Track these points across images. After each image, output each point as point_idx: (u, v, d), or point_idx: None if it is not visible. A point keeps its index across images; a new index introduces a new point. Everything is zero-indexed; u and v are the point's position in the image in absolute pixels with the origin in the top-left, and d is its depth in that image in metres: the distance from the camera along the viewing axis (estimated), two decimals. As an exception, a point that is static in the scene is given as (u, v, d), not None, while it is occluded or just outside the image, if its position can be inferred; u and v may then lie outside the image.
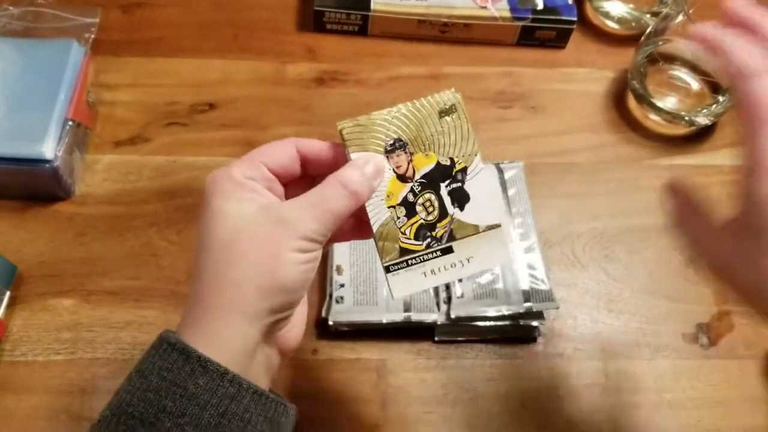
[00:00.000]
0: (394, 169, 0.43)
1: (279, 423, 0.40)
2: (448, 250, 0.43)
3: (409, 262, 0.43)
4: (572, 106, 0.76)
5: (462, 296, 0.60)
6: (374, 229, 0.42)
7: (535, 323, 0.60)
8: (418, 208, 0.43)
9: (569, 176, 0.71)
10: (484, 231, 0.43)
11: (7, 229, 0.64)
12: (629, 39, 0.80)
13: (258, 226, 0.39)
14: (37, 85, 0.65)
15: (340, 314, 0.59)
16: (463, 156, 0.43)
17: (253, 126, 0.72)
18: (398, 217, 0.43)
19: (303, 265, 0.39)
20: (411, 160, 0.43)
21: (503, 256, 0.44)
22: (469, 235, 0.43)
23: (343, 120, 0.42)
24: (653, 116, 0.74)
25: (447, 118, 0.43)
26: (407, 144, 0.43)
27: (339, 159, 0.43)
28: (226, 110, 0.73)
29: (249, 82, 0.76)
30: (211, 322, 0.38)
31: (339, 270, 0.61)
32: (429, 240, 0.43)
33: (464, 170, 0.43)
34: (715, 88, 0.74)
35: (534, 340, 0.61)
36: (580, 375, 0.60)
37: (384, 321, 0.59)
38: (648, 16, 0.80)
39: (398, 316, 0.59)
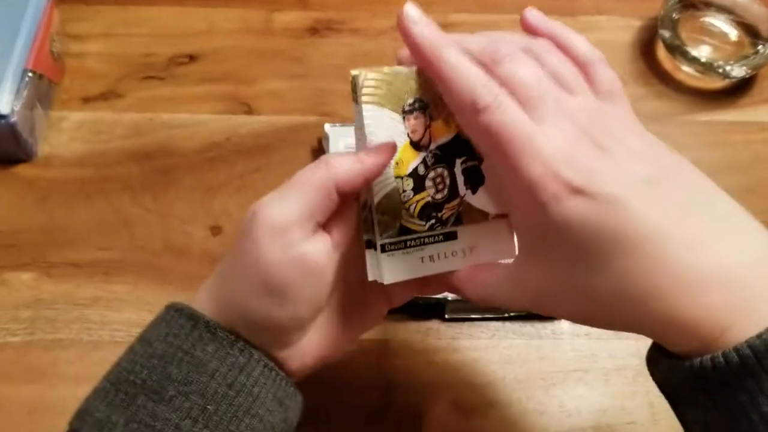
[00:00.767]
0: (409, 134, 0.37)
1: (287, 407, 0.37)
2: (451, 236, 0.38)
3: (408, 243, 0.37)
4: (595, 57, 0.68)
5: (476, 268, 0.53)
6: (375, 199, 0.36)
7: (559, 298, 0.53)
8: (428, 183, 0.37)
9: (593, 134, 0.63)
10: (493, 219, 0.38)
11: (-42, 194, 0.58)
12: (709, 95, 0.68)
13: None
14: (-9, 32, 0.58)
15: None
16: None
17: (238, 80, 0.65)
18: (404, 190, 0.37)
19: (281, 258, 0.34)
20: (429, 127, 0.37)
21: (509, 250, 0.38)
22: (477, 222, 0.38)
23: (360, 68, 0.36)
24: (685, 68, 0.67)
25: None
26: (428, 107, 0.37)
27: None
28: (209, 63, 0.66)
29: (234, 31, 0.68)
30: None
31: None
32: (433, 221, 0.38)
33: None
34: (754, 35, 0.66)
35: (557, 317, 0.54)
36: (611, 356, 0.53)
37: (388, 296, 0.52)
38: (737, 66, 0.70)
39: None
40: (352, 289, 0.40)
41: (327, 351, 0.39)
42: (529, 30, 0.37)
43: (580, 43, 0.37)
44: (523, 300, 0.35)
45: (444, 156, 0.37)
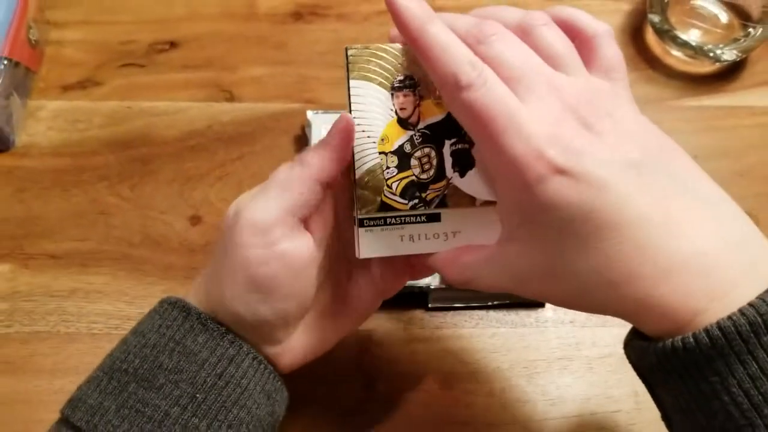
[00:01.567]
0: (397, 111, 0.37)
1: (275, 401, 0.38)
2: (434, 218, 0.38)
3: (388, 220, 0.37)
4: (583, 41, 0.66)
5: (459, 256, 0.52)
6: (357, 174, 0.37)
7: (543, 286, 0.52)
8: (413, 162, 0.37)
9: (581, 120, 0.62)
10: (480, 206, 0.38)
11: (-66, 185, 0.56)
12: (699, 79, 0.67)
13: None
14: (-35, 19, 0.56)
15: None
16: None
17: (220, 66, 0.64)
18: (388, 167, 0.37)
19: (265, 256, 0.35)
20: (419, 105, 0.37)
21: (494, 239, 0.37)
22: (463, 207, 0.38)
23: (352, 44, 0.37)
24: (675, 52, 0.65)
25: None
26: (418, 85, 0.37)
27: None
28: (190, 49, 0.65)
29: (216, 16, 0.67)
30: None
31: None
32: (416, 201, 0.37)
33: None
34: (746, 17, 0.65)
35: (542, 305, 0.54)
36: (595, 344, 0.52)
37: (368, 285, 0.51)
38: (726, 50, 0.69)
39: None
40: (340, 285, 0.40)
41: (317, 347, 0.40)
42: None
43: (581, 16, 0.36)
44: (504, 281, 0.35)
45: (433, 136, 0.37)
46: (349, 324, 0.42)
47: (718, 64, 0.65)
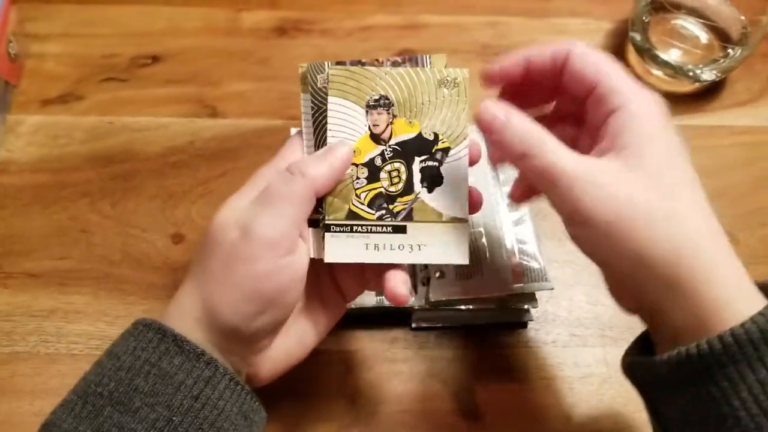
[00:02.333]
0: (370, 126, 0.39)
1: (252, 422, 0.38)
2: (400, 229, 0.40)
3: (354, 228, 0.39)
4: (565, 59, 0.67)
5: (442, 276, 0.52)
6: None
7: (525, 306, 0.53)
8: (383, 175, 0.40)
9: (563, 139, 0.63)
10: (446, 222, 0.40)
11: None
12: (680, 99, 0.68)
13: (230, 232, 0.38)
14: (-57, 32, 0.56)
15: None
16: (449, 136, 0.40)
17: (203, 82, 0.63)
18: (358, 178, 0.39)
19: (273, 269, 0.37)
20: (391, 123, 0.40)
21: (460, 256, 0.40)
22: (429, 222, 0.40)
23: (331, 62, 0.40)
24: (656, 71, 0.66)
25: (445, 90, 0.40)
26: (393, 105, 0.40)
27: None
28: (173, 64, 0.64)
29: (199, 31, 0.67)
30: (178, 298, 0.39)
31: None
32: (383, 212, 0.40)
33: (446, 151, 0.40)
34: (725, 38, 0.66)
35: (525, 325, 0.54)
36: (577, 364, 0.52)
37: (353, 306, 0.51)
38: (707, 70, 0.69)
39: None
40: (311, 288, 0.41)
41: (296, 352, 0.42)
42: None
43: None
44: (583, 174, 0.35)
45: (403, 152, 0.40)
46: (322, 327, 0.43)
47: (697, 84, 0.66)
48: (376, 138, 0.40)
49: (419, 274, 0.52)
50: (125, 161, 0.58)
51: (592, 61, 0.37)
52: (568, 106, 0.41)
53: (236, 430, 0.37)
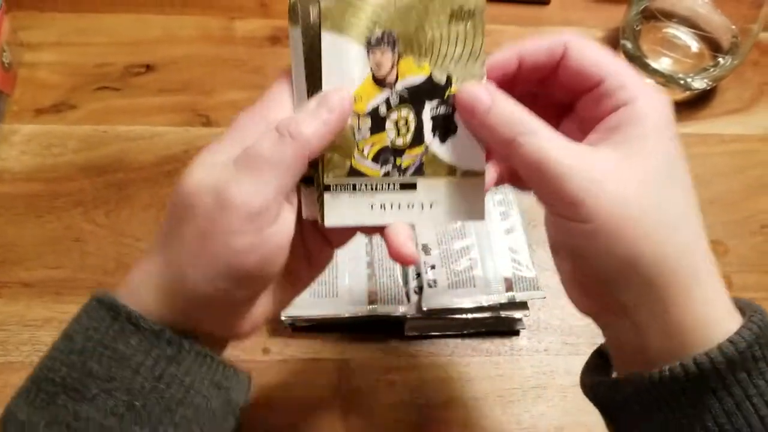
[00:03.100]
0: (372, 68, 0.34)
1: (228, 388, 0.35)
2: (409, 186, 0.35)
3: (357, 186, 0.35)
4: (557, 68, 0.68)
5: (435, 285, 0.52)
6: None
7: (518, 315, 0.53)
8: (389, 125, 0.34)
9: (555, 147, 0.63)
10: (461, 176, 0.35)
11: None
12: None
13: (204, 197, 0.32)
14: (-63, 42, 0.56)
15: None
16: (464, 77, 0.34)
17: (196, 90, 0.64)
18: (359, 128, 0.34)
19: (254, 242, 0.32)
20: (397, 63, 0.34)
21: (477, 212, 0.36)
22: (442, 176, 0.35)
23: None
24: (647, 79, 0.67)
25: (459, 24, 0.34)
26: (397, 42, 0.34)
27: None
28: (166, 72, 0.65)
29: (193, 40, 0.67)
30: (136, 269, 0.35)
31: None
32: (390, 168, 0.35)
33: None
34: (716, 47, 0.67)
35: (517, 333, 0.54)
36: (569, 372, 0.53)
37: (346, 315, 0.51)
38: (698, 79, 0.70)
39: (362, 309, 0.51)
40: (294, 241, 0.35)
41: (277, 308, 0.38)
42: None
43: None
44: (566, 158, 0.32)
45: (411, 98, 0.34)
46: (307, 281, 0.39)
47: (688, 93, 0.67)
48: (379, 82, 0.34)
49: (411, 283, 0.53)
50: (119, 170, 0.59)
51: (593, 55, 0.34)
52: (553, 95, 0.38)
53: (209, 402, 0.34)
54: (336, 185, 0.34)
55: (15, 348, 0.51)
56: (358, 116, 0.34)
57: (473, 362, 0.53)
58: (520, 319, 0.54)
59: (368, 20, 0.33)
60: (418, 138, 0.35)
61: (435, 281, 0.53)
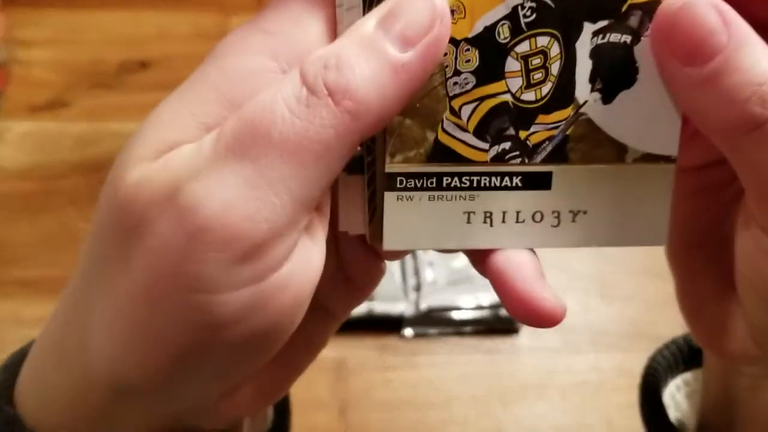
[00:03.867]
0: None
1: None
2: (540, 180, 0.21)
3: (445, 180, 0.20)
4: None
5: (434, 282, 0.53)
6: None
7: (517, 313, 0.53)
8: (512, 64, 0.20)
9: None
10: (634, 162, 0.21)
11: None
12: None
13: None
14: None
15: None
16: None
17: (192, 88, 0.64)
18: (458, 72, 0.19)
19: (251, 302, 0.18)
20: None
21: (656, 228, 0.22)
22: (601, 162, 0.21)
23: None
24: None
25: None
26: None
27: None
28: (161, 70, 0.67)
29: (187, 37, 0.69)
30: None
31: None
32: (508, 146, 0.20)
33: (649, 10, 0.19)
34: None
35: (516, 332, 0.54)
36: (569, 371, 0.53)
37: (343, 314, 0.51)
38: None
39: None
40: (327, 269, 0.21)
41: (302, 363, 0.26)
42: None
43: None
44: None
45: (558, 12, 0.19)
46: (343, 311, 0.25)
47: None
48: None
49: (410, 281, 0.53)
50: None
51: None
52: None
53: None
54: (407, 176, 0.20)
55: (11, 347, 0.50)
56: (457, 47, 0.19)
57: (473, 360, 0.53)
58: (519, 317, 0.54)
59: None
60: (563, 92, 0.20)
61: (434, 279, 0.53)
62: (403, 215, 0.20)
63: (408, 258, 0.55)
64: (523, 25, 0.19)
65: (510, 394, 0.52)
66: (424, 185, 0.20)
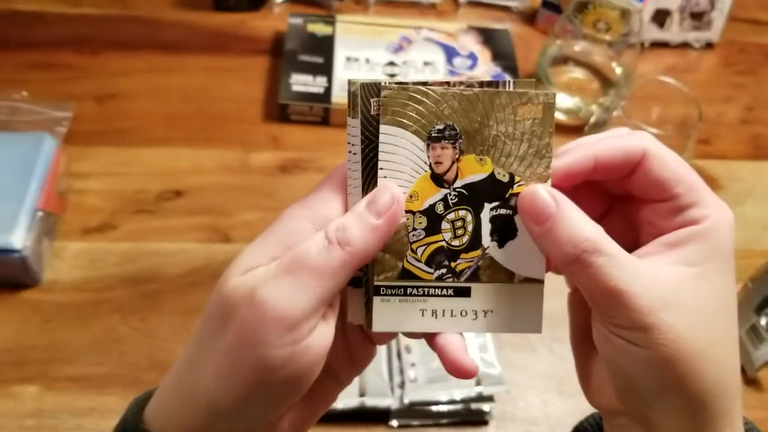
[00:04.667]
0: (431, 164, 0.32)
1: None
2: (463, 292, 0.33)
3: (409, 290, 0.33)
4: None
5: (415, 380, 0.62)
6: None
7: (485, 407, 0.62)
8: (445, 225, 0.33)
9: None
10: (519, 282, 0.33)
11: (-27, 316, 0.66)
12: (575, 129, 0.85)
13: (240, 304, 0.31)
14: (9, 177, 0.68)
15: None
16: (528, 177, 0.32)
17: (218, 213, 0.75)
18: (414, 229, 0.33)
19: (290, 356, 0.30)
20: (458, 160, 0.32)
21: (533, 323, 0.34)
22: (499, 282, 0.33)
23: (386, 82, 0.32)
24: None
25: (526, 120, 0.32)
26: (460, 136, 0.32)
27: None
28: (193, 197, 0.76)
29: (215, 170, 0.79)
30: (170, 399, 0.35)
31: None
32: (444, 271, 0.33)
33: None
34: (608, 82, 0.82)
35: (485, 423, 0.63)
36: (532, 459, 0.61)
37: (339, 407, 0.61)
38: (594, 107, 0.85)
39: (353, 401, 0.61)
40: (336, 342, 0.33)
41: (320, 407, 0.37)
42: None
43: None
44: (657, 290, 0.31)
45: (470, 197, 0.33)
46: (350, 374, 0.37)
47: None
48: (437, 179, 0.32)
49: (396, 379, 0.63)
50: (152, 281, 0.70)
51: (673, 166, 0.32)
52: (609, 187, 0.35)
53: None
54: (386, 288, 0.33)
55: (63, 434, 0.60)
56: (414, 215, 0.32)
57: (448, 447, 0.62)
58: (488, 411, 0.63)
59: (430, 113, 0.32)
60: (475, 241, 0.33)
61: (415, 377, 0.62)
62: (384, 310, 0.33)
63: (394, 359, 0.64)
64: (450, 204, 0.33)
65: (479, 477, 0.60)
66: (396, 293, 0.33)
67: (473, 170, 0.33)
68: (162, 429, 0.34)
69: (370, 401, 0.61)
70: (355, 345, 0.36)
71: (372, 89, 0.32)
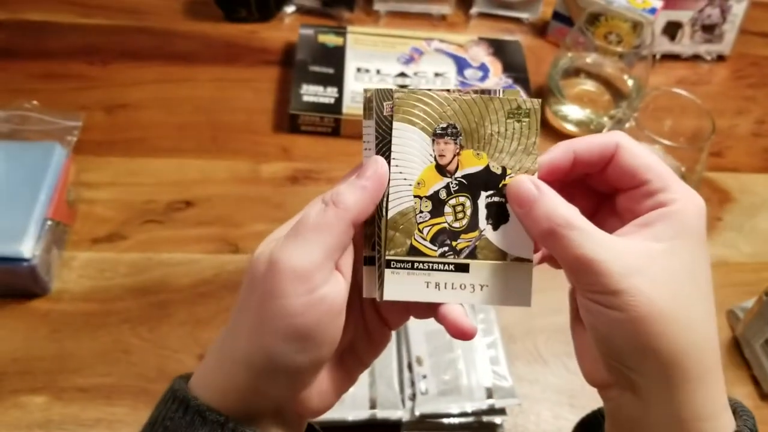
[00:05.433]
0: (436, 157, 0.38)
1: None
2: (462, 268, 0.38)
3: (416, 264, 0.38)
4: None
5: (426, 392, 0.62)
6: (389, 214, 0.37)
7: (497, 420, 0.62)
8: (447, 209, 0.38)
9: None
10: (510, 261, 0.38)
11: (-18, 326, 0.65)
12: None
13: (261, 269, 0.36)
14: (19, 186, 0.68)
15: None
16: (518, 170, 0.38)
17: (228, 223, 0.75)
18: (421, 211, 0.38)
19: (307, 304, 0.34)
20: (458, 154, 0.38)
21: (523, 297, 0.38)
22: (493, 260, 0.38)
23: (372, 86, 0.39)
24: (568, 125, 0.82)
25: (515, 122, 0.38)
26: (460, 134, 0.38)
27: None
28: (202, 208, 0.76)
29: (225, 180, 0.79)
30: (213, 366, 0.38)
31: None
32: (446, 249, 0.38)
33: None
34: (620, 94, 0.82)
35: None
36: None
37: (349, 419, 0.60)
38: (606, 119, 0.85)
39: (364, 413, 0.60)
40: (356, 320, 0.40)
41: (344, 384, 0.41)
42: None
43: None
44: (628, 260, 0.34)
45: (469, 186, 0.38)
46: (369, 354, 0.42)
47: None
48: (441, 169, 0.38)
49: (407, 391, 0.62)
50: (161, 292, 0.69)
51: (642, 156, 0.37)
52: (596, 186, 0.40)
53: None
54: (396, 262, 0.37)
55: (70, 445, 0.60)
56: (421, 199, 0.37)
57: (459, 461, 0.61)
58: (500, 424, 0.62)
59: (435, 113, 0.37)
60: (473, 223, 0.38)
61: (427, 389, 0.62)
62: (394, 281, 0.37)
63: (405, 371, 0.63)
64: (452, 191, 0.38)
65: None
66: (405, 266, 0.37)
67: (471, 163, 0.38)
68: (207, 394, 0.37)
69: (381, 413, 0.61)
70: (372, 326, 0.41)
71: (385, 94, 0.37)
